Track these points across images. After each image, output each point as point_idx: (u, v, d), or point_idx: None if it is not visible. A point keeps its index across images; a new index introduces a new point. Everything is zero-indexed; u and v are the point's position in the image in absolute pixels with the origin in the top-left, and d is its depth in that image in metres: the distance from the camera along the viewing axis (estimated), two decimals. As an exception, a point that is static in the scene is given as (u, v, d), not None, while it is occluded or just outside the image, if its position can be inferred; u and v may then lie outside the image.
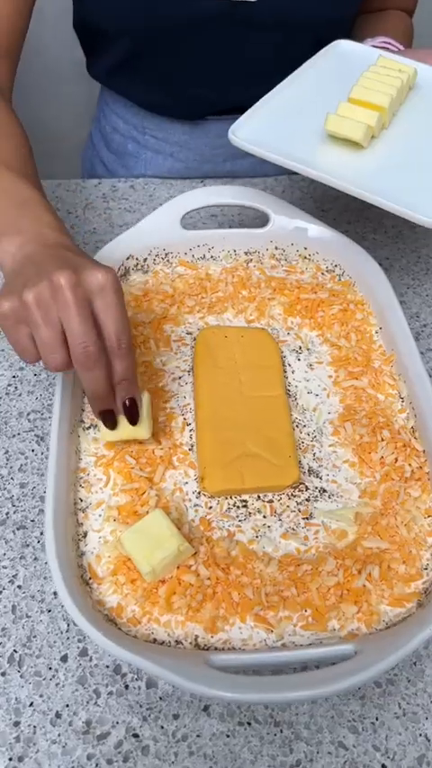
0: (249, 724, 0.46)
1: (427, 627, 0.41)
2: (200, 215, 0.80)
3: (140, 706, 0.46)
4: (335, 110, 0.62)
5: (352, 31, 0.85)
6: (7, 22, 0.68)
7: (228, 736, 0.45)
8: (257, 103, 0.64)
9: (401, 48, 0.76)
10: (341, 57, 0.71)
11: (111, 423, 0.51)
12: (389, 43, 0.76)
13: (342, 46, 0.73)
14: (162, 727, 0.46)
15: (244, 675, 0.42)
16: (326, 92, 0.66)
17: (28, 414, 0.61)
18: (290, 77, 0.67)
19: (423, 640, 0.41)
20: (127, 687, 0.47)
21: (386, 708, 0.47)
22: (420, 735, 0.46)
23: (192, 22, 0.71)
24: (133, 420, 0.51)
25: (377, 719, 0.46)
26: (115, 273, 0.47)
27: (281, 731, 0.46)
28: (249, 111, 0.63)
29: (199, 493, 0.52)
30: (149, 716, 0.46)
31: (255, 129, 0.61)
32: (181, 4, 0.70)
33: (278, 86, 0.66)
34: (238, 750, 0.45)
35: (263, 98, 0.65)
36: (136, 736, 0.45)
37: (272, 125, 0.62)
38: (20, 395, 0.63)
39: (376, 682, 0.47)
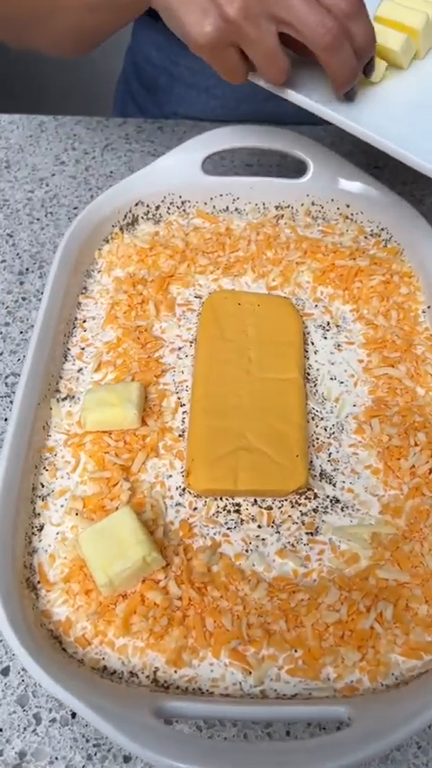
0: (215, 779, 0.37)
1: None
2: (233, 163, 0.70)
3: (87, 741, 0.38)
4: None
5: None
6: None
7: (186, 791, 0.37)
8: None
9: None
10: None
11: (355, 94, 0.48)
12: None
13: None
14: (109, 772, 0.37)
15: (204, 739, 0.34)
16: None
17: (6, 376, 0.53)
18: None
19: (438, 715, 0.31)
20: (74, 716, 0.39)
21: (387, 779, 0.37)
22: None
23: None
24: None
25: (374, 793, 0.37)
26: None
27: (253, 793, 0.37)
28: None
29: (184, 490, 0.43)
30: (96, 754, 0.38)
31: None
32: None
33: None
34: None
35: None
36: (76, 777, 0.37)
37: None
38: (0, 353, 0.55)
39: (378, 745, 0.38)
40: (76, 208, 0.66)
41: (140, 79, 0.81)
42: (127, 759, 0.38)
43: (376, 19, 0.50)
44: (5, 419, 0.51)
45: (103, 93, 1.06)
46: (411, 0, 0.50)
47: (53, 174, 0.70)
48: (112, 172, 0.70)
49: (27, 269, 0.61)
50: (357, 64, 0.45)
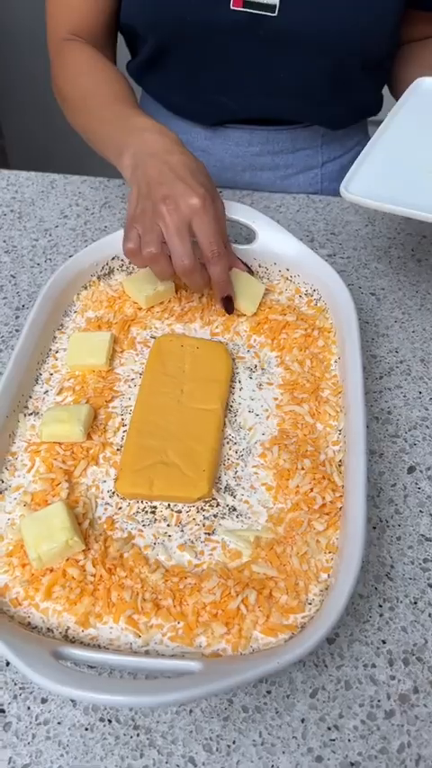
0: (110, 722, 0.47)
1: (272, 661, 0.41)
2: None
3: (15, 684, 0.49)
4: None
5: (399, 62, 0.83)
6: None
7: (86, 729, 0.47)
8: (360, 155, 0.65)
9: None
10: (428, 95, 0.71)
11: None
12: None
13: (426, 83, 0.72)
14: (28, 708, 0.47)
15: (80, 673, 0.44)
16: (425, 133, 0.67)
17: (-8, 393, 0.65)
18: (384, 123, 0.68)
19: (261, 673, 0.41)
20: (8, 664, 0.49)
21: (246, 733, 0.46)
22: (272, 766, 0.45)
23: (215, 29, 0.73)
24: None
25: (234, 743, 0.46)
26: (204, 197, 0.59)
27: (137, 735, 0.46)
28: (355, 163, 0.64)
29: (113, 492, 0.54)
30: (20, 695, 0.48)
31: (364, 182, 0.62)
32: (205, 11, 0.71)
33: (376, 134, 0.67)
34: (92, 744, 0.46)
35: (364, 149, 0.65)
36: (2, 711, 0.47)
37: (380, 174, 0.63)
38: (-9, 375, 0.66)
39: (243, 706, 0.47)
40: (71, 256, 0.79)
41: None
42: (44, 701, 0.48)
43: None
44: (-12, 428, 0.62)
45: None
46: None
47: (56, 226, 0.83)
48: (106, 227, 0.83)
49: (23, 305, 0.73)
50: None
